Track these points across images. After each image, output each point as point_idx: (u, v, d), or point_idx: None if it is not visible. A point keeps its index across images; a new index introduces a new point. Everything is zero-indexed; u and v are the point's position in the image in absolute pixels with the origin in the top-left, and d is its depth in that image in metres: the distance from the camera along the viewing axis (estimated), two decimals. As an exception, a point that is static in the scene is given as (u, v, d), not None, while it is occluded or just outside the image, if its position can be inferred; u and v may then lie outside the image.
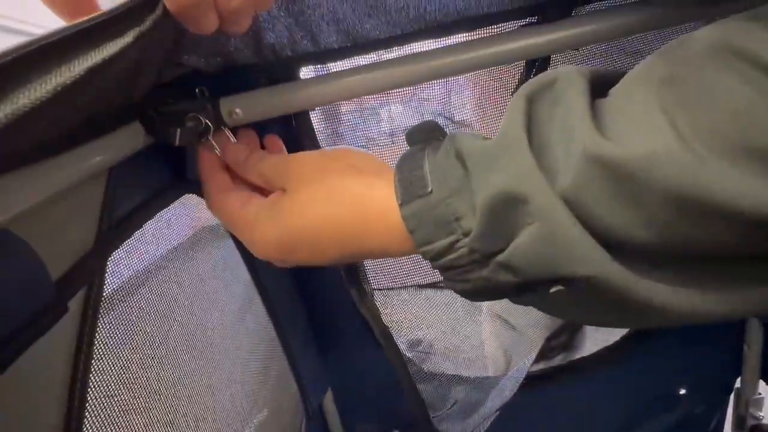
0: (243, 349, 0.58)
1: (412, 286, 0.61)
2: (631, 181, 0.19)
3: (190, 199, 0.45)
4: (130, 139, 0.34)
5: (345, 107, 0.54)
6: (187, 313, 0.49)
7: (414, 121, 0.51)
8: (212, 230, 0.55)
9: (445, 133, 0.28)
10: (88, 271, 0.30)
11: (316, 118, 0.50)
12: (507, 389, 0.64)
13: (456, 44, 0.37)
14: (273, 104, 0.37)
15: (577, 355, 0.74)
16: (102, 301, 0.32)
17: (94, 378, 0.30)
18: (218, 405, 0.53)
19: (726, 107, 0.17)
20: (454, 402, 0.65)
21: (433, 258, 0.24)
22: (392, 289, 0.61)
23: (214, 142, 0.37)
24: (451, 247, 0.24)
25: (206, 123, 0.36)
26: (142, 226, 0.37)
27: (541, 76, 0.24)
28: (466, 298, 0.26)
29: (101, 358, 0.32)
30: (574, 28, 0.36)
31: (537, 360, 0.72)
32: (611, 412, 0.77)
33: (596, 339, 0.74)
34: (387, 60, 0.37)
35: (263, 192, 0.34)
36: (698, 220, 0.18)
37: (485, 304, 0.71)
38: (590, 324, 0.25)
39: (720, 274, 0.20)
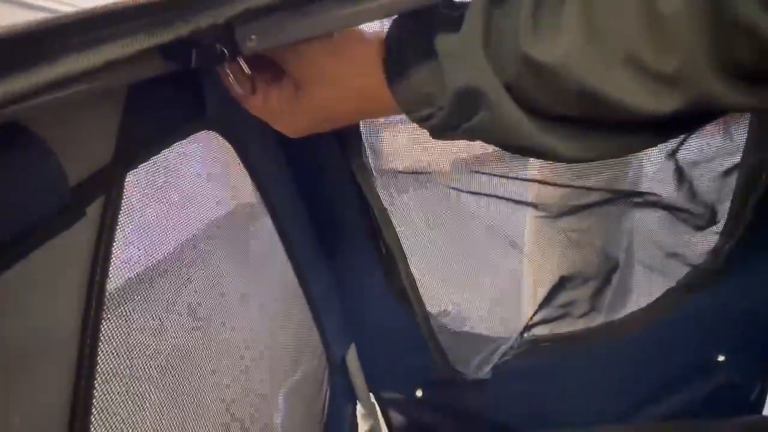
0: (265, 296, 0.59)
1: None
2: (552, 77, 0.26)
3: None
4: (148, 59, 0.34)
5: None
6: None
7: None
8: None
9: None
10: (106, 182, 0.31)
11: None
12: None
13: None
14: (289, 29, 0.37)
15: (614, 316, 0.72)
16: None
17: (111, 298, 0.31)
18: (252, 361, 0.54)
19: (626, 20, 0.24)
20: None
21: (418, 120, 0.33)
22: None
23: (228, 71, 0.37)
24: (431, 116, 0.32)
25: (222, 50, 0.36)
26: (159, 152, 0.38)
27: None
28: (436, 138, 0.34)
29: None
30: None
31: (563, 316, 0.70)
32: (642, 377, 0.75)
33: (637, 300, 0.71)
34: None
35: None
36: (596, 107, 0.26)
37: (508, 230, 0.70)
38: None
39: (596, 132, 0.29)
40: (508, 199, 0.66)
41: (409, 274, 0.66)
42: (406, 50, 0.32)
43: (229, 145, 0.50)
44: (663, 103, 0.24)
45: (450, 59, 0.30)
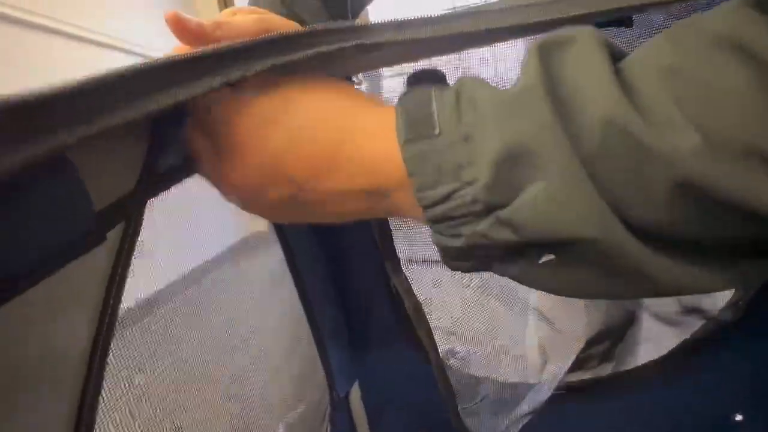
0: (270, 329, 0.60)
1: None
2: (650, 163, 0.19)
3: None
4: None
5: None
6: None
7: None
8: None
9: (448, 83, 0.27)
10: (127, 210, 0.32)
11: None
12: (541, 392, 0.61)
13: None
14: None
15: (623, 367, 0.70)
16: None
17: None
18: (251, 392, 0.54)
19: (734, 107, 0.18)
20: (484, 396, 0.63)
21: (429, 205, 0.23)
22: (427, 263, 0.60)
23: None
24: (450, 196, 0.22)
25: None
26: (181, 180, 0.39)
27: (556, 33, 0.22)
28: (446, 261, 0.25)
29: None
30: None
31: (575, 369, 0.68)
32: (655, 433, 0.72)
33: (649, 352, 0.69)
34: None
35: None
36: (709, 210, 0.19)
37: (532, 300, 0.68)
38: (565, 294, 0.24)
39: (712, 253, 0.21)
40: None
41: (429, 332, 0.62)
42: (426, 99, 0.24)
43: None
44: None
45: (498, 110, 0.22)
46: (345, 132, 0.25)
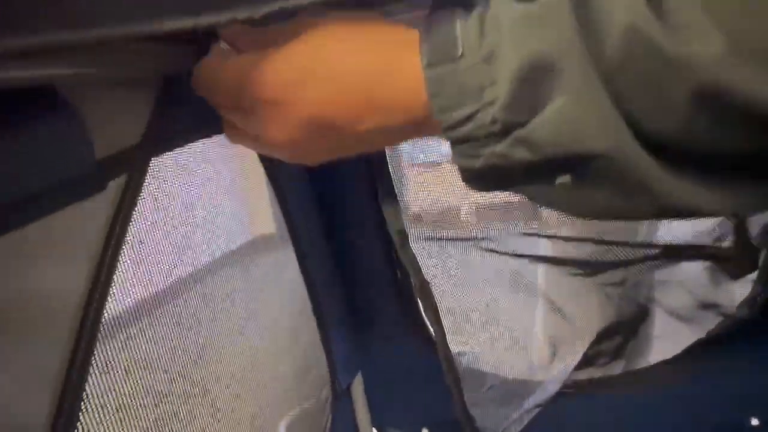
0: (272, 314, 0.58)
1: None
2: (671, 71, 0.18)
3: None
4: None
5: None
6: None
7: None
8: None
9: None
10: (130, 162, 0.31)
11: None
12: (549, 388, 0.59)
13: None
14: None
15: (635, 366, 0.68)
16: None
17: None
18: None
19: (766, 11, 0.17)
20: (491, 386, 0.61)
21: (450, 127, 0.23)
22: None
23: None
24: (471, 117, 0.22)
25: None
26: (184, 145, 0.38)
27: None
28: (467, 181, 0.25)
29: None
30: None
31: (584, 365, 0.66)
32: (667, 437, 0.69)
33: (663, 349, 0.67)
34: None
35: None
36: (726, 119, 0.19)
37: (541, 286, 0.67)
38: (576, 213, 0.25)
39: (721, 174, 0.21)
40: (531, 256, 0.64)
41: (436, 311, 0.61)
42: (450, 23, 0.23)
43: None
44: None
45: (521, 26, 0.21)
46: (380, 73, 0.25)
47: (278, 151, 0.30)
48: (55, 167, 0.25)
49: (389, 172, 0.58)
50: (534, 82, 0.21)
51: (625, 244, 0.63)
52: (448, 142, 0.24)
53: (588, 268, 0.65)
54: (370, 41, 0.26)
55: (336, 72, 0.25)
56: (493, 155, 0.23)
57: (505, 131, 0.22)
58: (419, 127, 0.26)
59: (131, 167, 0.31)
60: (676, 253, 0.64)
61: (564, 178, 0.23)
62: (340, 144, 0.28)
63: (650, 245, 0.64)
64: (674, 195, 0.21)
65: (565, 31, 0.20)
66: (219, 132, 0.43)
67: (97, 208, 0.29)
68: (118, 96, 0.31)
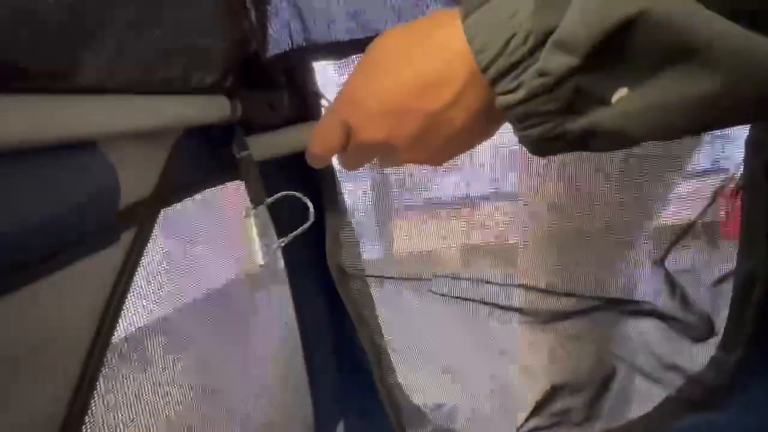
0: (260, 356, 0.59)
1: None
2: None
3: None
4: (213, 106, 0.38)
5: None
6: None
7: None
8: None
9: None
10: (142, 214, 0.33)
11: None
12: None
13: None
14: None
15: (613, 424, 0.68)
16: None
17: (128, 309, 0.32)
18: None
19: None
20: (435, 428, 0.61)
21: (489, 64, 0.24)
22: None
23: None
24: (506, 46, 0.23)
25: None
26: (192, 196, 0.40)
27: None
28: (517, 131, 0.25)
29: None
30: None
31: (555, 425, 0.66)
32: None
33: (642, 407, 0.67)
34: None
35: None
36: None
37: (495, 332, 0.66)
38: (641, 135, 0.23)
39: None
40: (492, 304, 0.62)
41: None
42: None
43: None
44: None
45: None
46: (433, 54, 0.27)
47: (375, 153, 0.32)
48: (86, 218, 0.27)
49: (336, 201, 0.55)
50: None
51: (571, 294, 0.62)
52: (494, 89, 0.25)
53: (537, 316, 0.64)
54: (415, 36, 0.28)
55: (395, 60, 0.28)
56: (534, 76, 0.23)
57: (541, 42, 0.22)
58: (480, 93, 0.26)
59: (142, 219, 0.33)
60: (620, 306, 0.63)
61: (621, 92, 0.22)
62: (437, 134, 0.29)
63: (597, 297, 0.62)
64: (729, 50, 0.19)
65: None
66: (223, 182, 0.46)
67: (108, 257, 0.31)
68: (139, 147, 0.33)
